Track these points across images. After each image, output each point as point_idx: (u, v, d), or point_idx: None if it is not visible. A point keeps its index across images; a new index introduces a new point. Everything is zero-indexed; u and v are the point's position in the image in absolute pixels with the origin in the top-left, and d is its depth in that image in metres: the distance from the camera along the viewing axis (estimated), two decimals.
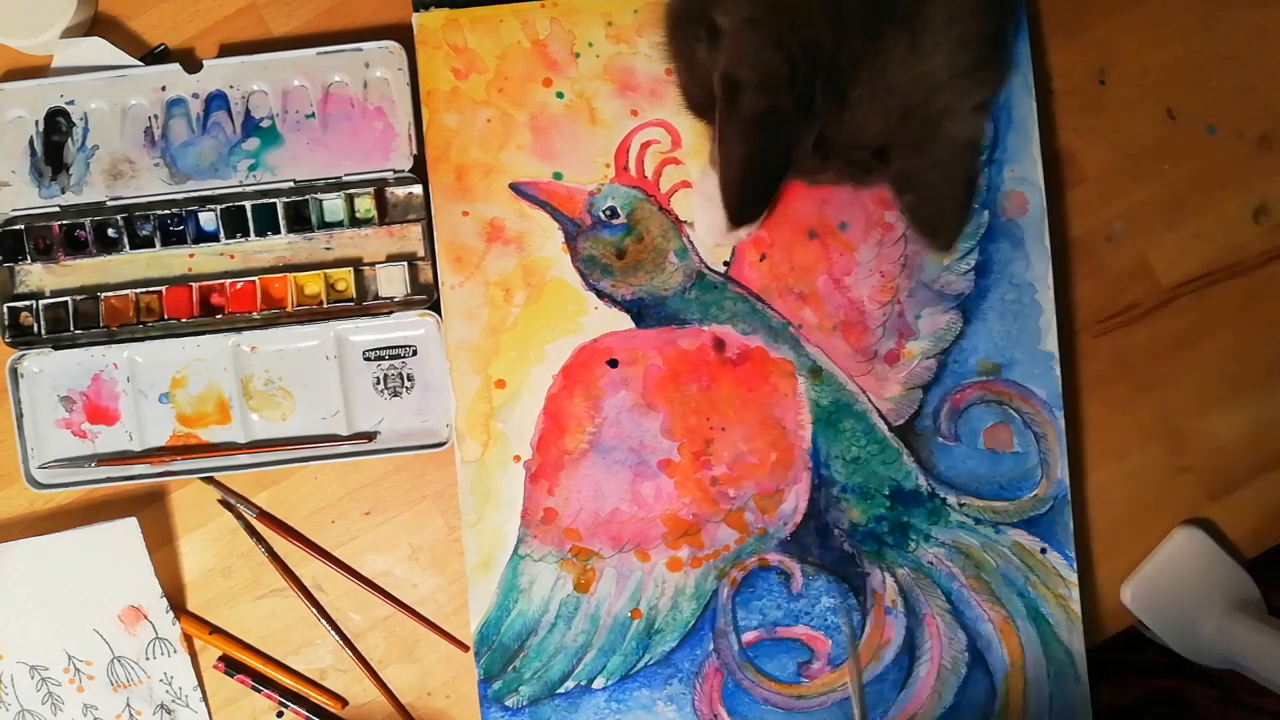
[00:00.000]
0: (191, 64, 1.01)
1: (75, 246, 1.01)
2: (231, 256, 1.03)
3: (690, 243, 1.00)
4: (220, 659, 1.03)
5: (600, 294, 0.99)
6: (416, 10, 1.00)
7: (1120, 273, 1.05)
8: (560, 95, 1.00)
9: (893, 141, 0.79)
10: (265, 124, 1.01)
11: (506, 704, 0.99)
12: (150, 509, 1.04)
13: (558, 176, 1.00)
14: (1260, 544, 1.07)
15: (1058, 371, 0.99)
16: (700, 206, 0.99)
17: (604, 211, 1.00)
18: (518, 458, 0.99)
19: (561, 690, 0.99)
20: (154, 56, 1.03)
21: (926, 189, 0.80)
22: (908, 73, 0.76)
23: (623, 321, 0.99)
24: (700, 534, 0.99)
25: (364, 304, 1.01)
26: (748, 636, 0.99)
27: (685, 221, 1.00)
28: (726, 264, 1.00)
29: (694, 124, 0.99)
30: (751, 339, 0.99)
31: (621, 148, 1.00)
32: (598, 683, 0.99)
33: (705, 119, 0.92)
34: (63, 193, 1.00)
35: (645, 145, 1.00)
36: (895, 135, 0.78)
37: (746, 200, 0.79)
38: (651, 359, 0.99)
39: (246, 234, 1.01)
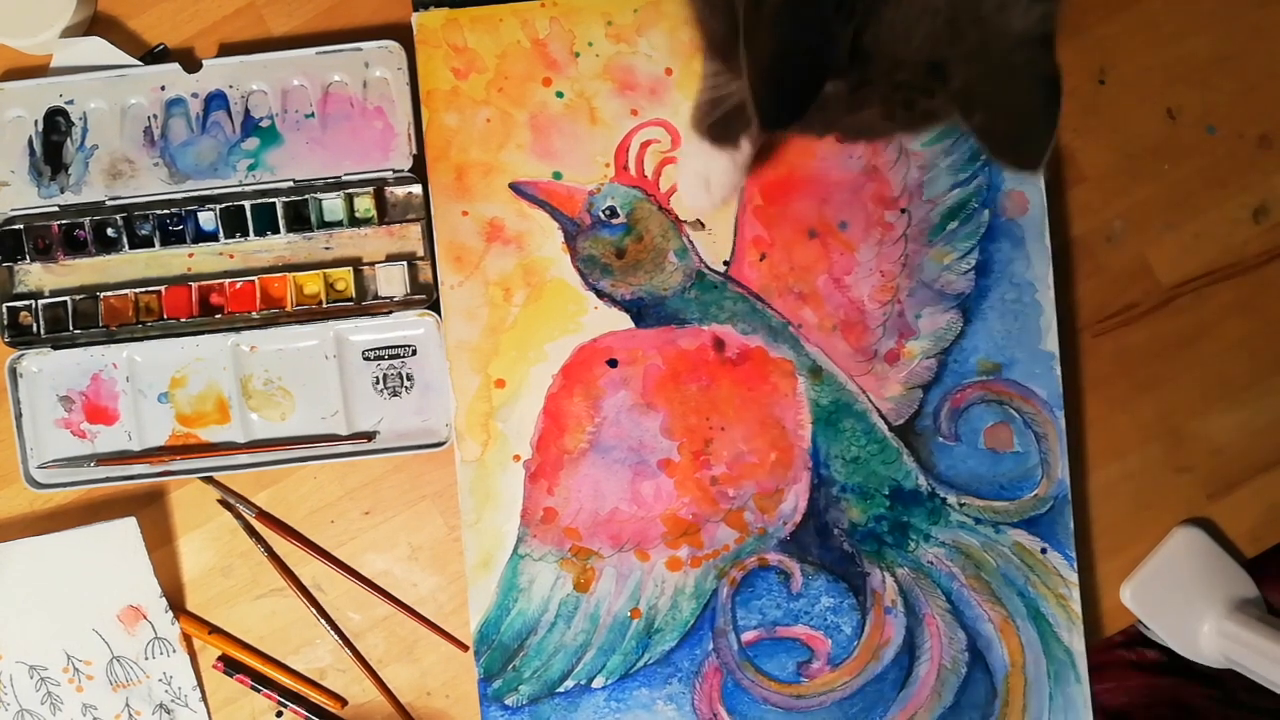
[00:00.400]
0: (191, 64, 1.01)
1: (74, 246, 1.01)
2: (231, 256, 1.03)
3: (690, 242, 1.00)
4: (219, 659, 1.03)
5: (600, 293, 0.99)
6: (416, 10, 1.00)
7: (1120, 273, 1.05)
8: (560, 95, 1.00)
9: (945, 54, 0.68)
10: (265, 124, 1.01)
11: (506, 703, 0.99)
12: (150, 509, 1.04)
13: (557, 176, 1.00)
14: (1260, 544, 1.07)
15: (1058, 371, 0.99)
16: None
17: (603, 211, 0.99)
18: (517, 457, 0.99)
19: (561, 689, 0.99)
20: (153, 56, 1.03)
21: (996, 101, 0.69)
22: None
23: (622, 321, 0.99)
24: (700, 534, 0.99)
25: (363, 304, 1.01)
26: (747, 636, 0.99)
27: (685, 221, 1.00)
28: (726, 263, 1.00)
29: None
30: (751, 339, 0.99)
31: (621, 147, 1.00)
32: (597, 682, 0.99)
33: (728, 59, 0.82)
34: (62, 192, 1.00)
35: (645, 145, 1.00)
36: (946, 44, 0.67)
37: (780, 96, 0.68)
38: (651, 359, 0.99)
39: (246, 234, 1.01)
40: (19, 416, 1.01)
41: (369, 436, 1.02)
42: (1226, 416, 1.06)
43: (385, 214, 1.02)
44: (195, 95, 1.01)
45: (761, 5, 0.67)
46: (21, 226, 1.00)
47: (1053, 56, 0.67)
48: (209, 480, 1.04)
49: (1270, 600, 1.05)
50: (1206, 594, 1.04)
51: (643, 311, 0.99)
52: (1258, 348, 1.05)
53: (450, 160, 0.99)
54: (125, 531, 1.00)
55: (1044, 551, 0.99)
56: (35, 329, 1.01)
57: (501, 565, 0.98)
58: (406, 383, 1.02)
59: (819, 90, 0.67)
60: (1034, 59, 0.67)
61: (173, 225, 1.02)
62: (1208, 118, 1.05)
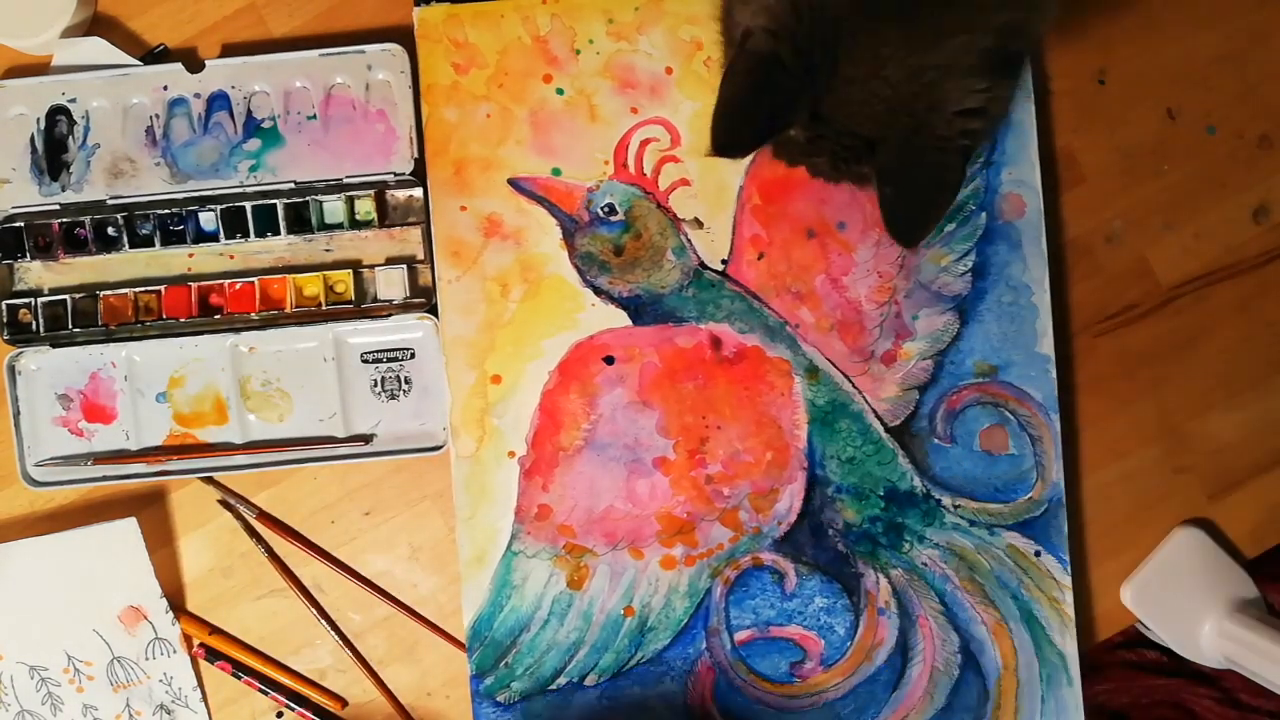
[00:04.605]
0: (194, 64, 1.01)
1: (75, 245, 1.01)
2: (231, 257, 1.03)
3: (688, 240, 1.00)
4: (199, 646, 1.03)
5: (597, 291, 0.99)
6: (417, 4, 1.00)
7: (1119, 273, 1.05)
8: (560, 91, 1.00)
9: (879, 134, 0.79)
10: (267, 125, 1.01)
11: (498, 700, 0.99)
12: (150, 509, 1.04)
13: (556, 173, 1.00)
14: (1260, 544, 1.07)
15: (1054, 374, 0.99)
16: None
17: (602, 208, 1.00)
18: (512, 453, 0.99)
19: (553, 687, 0.99)
20: (153, 56, 1.03)
21: (905, 185, 0.80)
22: (903, 65, 0.75)
23: (620, 318, 0.99)
24: (694, 532, 0.99)
25: (362, 306, 1.01)
26: (740, 635, 0.99)
27: (683, 219, 1.00)
28: (724, 262, 1.00)
29: (693, 121, 0.99)
30: (748, 338, 0.99)
31: (620, 145, 1.00)
32: (590, 680, 0.99)
33: None
34: (63, 190, 1.00)
35: (644, 143, 1.00)
36: (882, 126, 0.78)
37: (723, 132, 0.79)
38: (648, 356, 0.99)
39: (246, 234, 1.01)
40: (17, 414, 1.01)
41: (366, 439, 1.02)
42: (1226, 416, 1.05)
43: (386, 217, 1.02)
44: (197, 95, 1.01)
45: (743, 48, 0.78)
46: (22, 224, 1.00)
47: (962, 168, 0.79)
48: (209, 481, 1.04)
49: (1270, 601, 1.05)
50: (1207, 594, 1.04)
51: (640, 309, 0.99)
52: (1258, 348, 1.05)
53: (449, 155, 0.99)
54: (126, 532, 1.00)
55: (1038, 554, 0.99)
56: (34, 327, 1.01)
57: (495, 562, 0.98)
58: (404, 386, 1.02)
59: (768, 137, 0.81)
60: (945, 164, 0.79)
61: (173, 225, 1.02)
62: (1208, 118, 1.05)
